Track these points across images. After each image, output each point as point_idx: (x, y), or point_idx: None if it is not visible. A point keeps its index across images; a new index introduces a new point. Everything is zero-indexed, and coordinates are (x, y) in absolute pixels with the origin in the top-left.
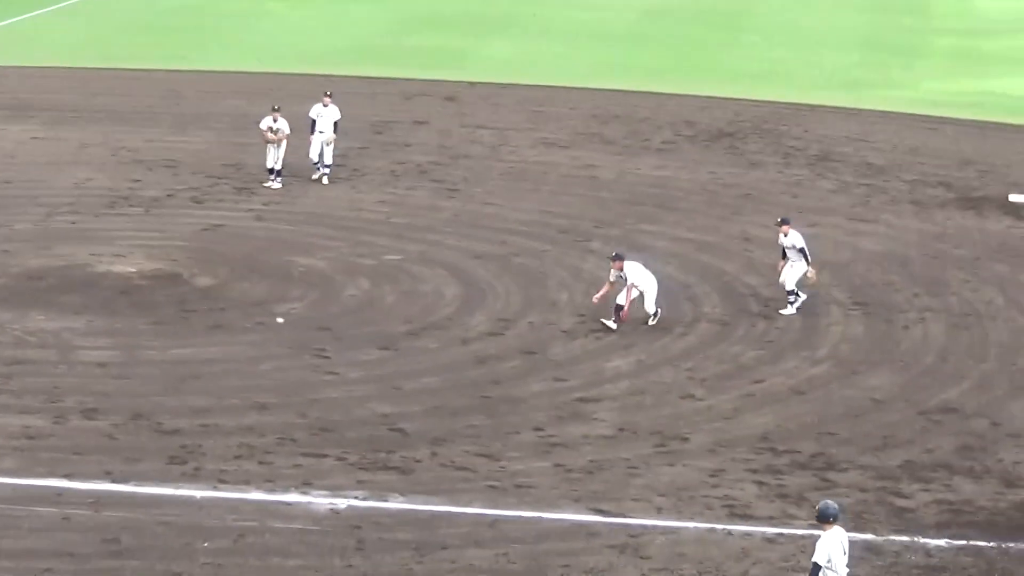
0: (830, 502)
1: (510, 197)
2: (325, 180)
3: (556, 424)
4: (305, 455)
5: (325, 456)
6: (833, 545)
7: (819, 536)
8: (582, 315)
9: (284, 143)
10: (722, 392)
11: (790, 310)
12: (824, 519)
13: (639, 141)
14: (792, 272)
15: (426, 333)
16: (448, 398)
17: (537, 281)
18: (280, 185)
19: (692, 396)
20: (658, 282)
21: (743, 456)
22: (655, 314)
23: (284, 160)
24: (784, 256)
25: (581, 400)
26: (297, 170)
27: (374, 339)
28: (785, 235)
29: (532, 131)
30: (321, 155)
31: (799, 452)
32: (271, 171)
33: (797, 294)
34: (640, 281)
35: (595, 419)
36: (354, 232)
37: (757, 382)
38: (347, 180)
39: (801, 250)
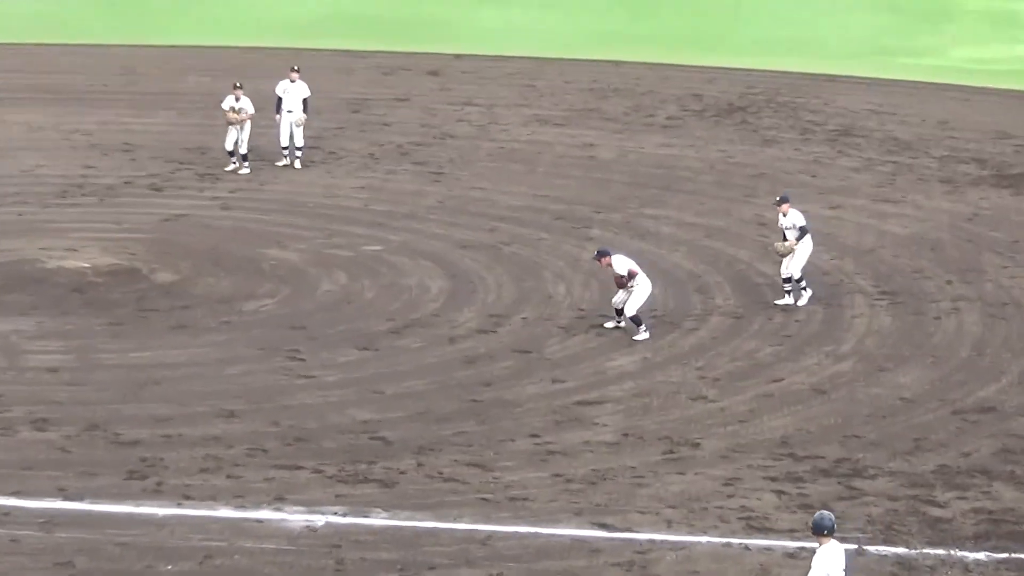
0: (825, 513)
1: (500, 180)
2: (297, 164)
3: (554, 430)
4: (278, 467)
5: (300, 468)
6: (830, 561)
7: (814, 551)
8: (581, 309)
9: (248, 124)
10: (736, 392)
11: (804, 299)
12: (819, 531)
13: (642, 117)
14: (796, 257)
15: (410, 331)
16: (435, 403)
17: (531, 272)
18: (248, 171)
19: (703, 397)
20: (665, 272)
21: (760, 463)
22: (618, 318)
23: (252, 143)
24: (783, 239)
25: (581, 403)
26: (266, 153)
27: (352, 338)
28: (784, 215)
29: (524, 107)
30: (291, 138)
31: (822, 458)
32: (231, 154)
33: (801, 280)
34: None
35: (597, 424)
36: (329, 221)
37: (775, 381)
38: (321, 164)
39: (802, 229)
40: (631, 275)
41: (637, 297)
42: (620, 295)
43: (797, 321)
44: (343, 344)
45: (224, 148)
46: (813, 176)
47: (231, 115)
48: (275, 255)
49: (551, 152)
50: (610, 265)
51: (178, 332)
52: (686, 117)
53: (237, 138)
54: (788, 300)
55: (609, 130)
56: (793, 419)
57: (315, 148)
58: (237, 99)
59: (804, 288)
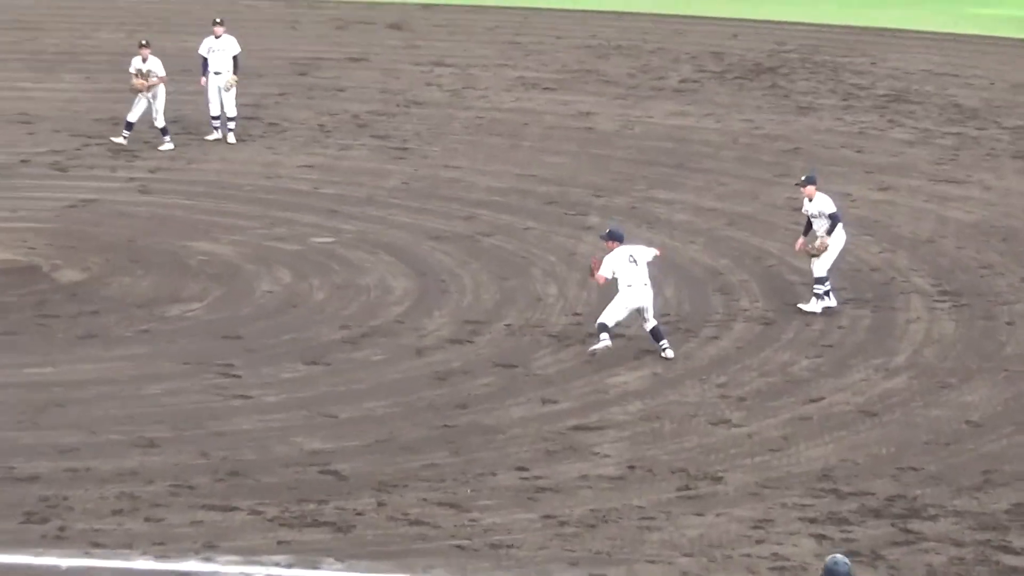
0: (840, 558)
1: (478, 158)
2: (231, 138)
3: (544, 462)
4: (207, 508)
5: (235, 509)
6: None
7: None
8: (577, 314)
9: (161, 91)
10: (767, 415)
11: (814, 305)
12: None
13: (649, 80)
14: (826, 252)
15: (368, 341)
16: (399, 429)
17: (516, 269)
18: (171, 146)
19: (727, 421)
20: (679, 268)
21: (796, 501)
22: (600, 337)
23: (176, 112)
24: (808, 228)
25: (577, 429)
26: (195, 125)
27: (298, 350)
28: (810, 200)
29: (507, 68)
30: (222, 106)
31: (871, 494)
32: (129, 126)
33: (824, 282)
34: (623, 274)
35: (596, 454)
36: (270, 207)
37: (813, 401)
38: (261, 138)
39: (832, 217)
40: (598, 273)
41: (615, 305)
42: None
43: (840, 328)
44: (287, 357)
45: (126, 120)
46: (858, 151)
47: (137, 81)
48: (205, 249)
49: (540, 123)
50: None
51: (86, 343)
52: (703, 80)
53: (149, 107)
54: (825, 303)
55: (610, 96)
56: (836, 447)
57: (252, 119)
58: (144, 60)
59: (827, 294)
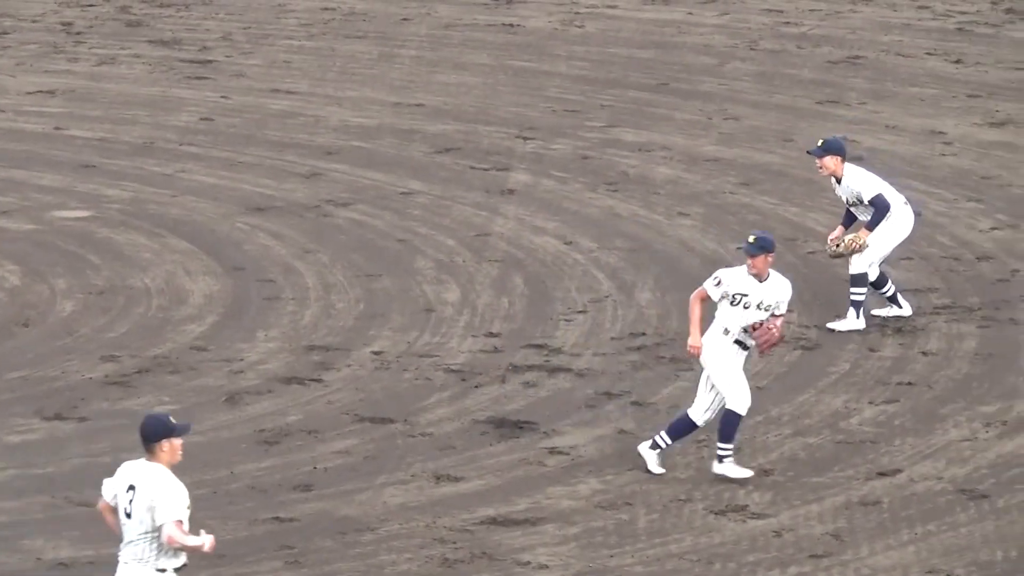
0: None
1: (327, 75)
2: None
3: None
4: None
5: None
6: None
7: None
8: (493, 335)
9: None
10: (806, 499)
11: (851, 321)
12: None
13: None
14: (867, 249)
15: (148, 381)
16: (201, 523)
17: (392, 261)
18: None
19: (741, 509)
20: (662, 258)
21: None
22: (723, 460)
23: None
24: (848, 219)
25: (494, 523)
26: None
27: (34, 396)
28: (837, 179)
29: None
30: None
31: None
32: None
33: (863, 285)
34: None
35: (525, 567)
36: None
37: (883, 475)
38: None
39: (875, 203)
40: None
41: (732, 378)
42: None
43: (926, 354)
44: (15, 408)
45: None
46: (957, 62)
47: None
48: None
49: (429, 18)
50: (763, 270)
51: None
52: None
53: None
54: (893, 310)
55: None
56: (918, 550)
57: None
58: None
59: (892, 298)
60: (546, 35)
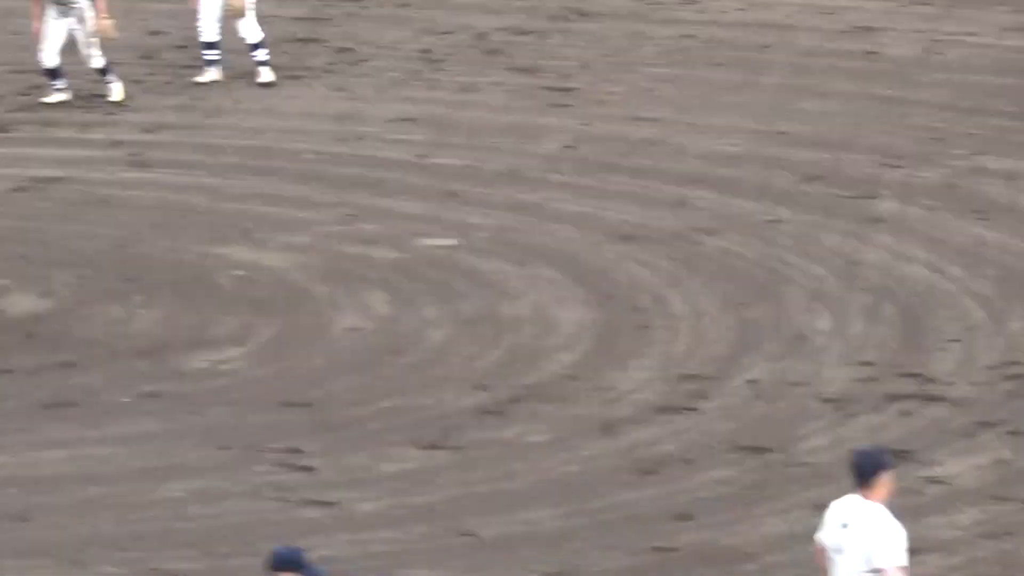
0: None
1: (689, 104)
2: (266, 75)
3: None
4: None
5: None
6: None
7: None
8: (867, 363)
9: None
10: None
11: None
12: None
13: None
14: None
15: (521, 411)
16: (579, 555)
17: (762, 289)
18: (216, 75)
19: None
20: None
21: None
22: None
23: (179, 28)
24: None
25: None
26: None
27: (407, 426)
28: None
29: None
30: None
31: None
32: (52, 75)
33: None
34: None
35: None
36: (348, 188)
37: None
38: (326, 73)
39: None
40: None
41: None
42: None
43: None
44: (388, 438)
45: (41, 63)
46: None
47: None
48: (243, 258)
49: (790, 46)
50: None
51: (56, 416)
52: None
53: (72, 38)
54: None
55: (903, 0)
56: None
57: (309, 40)
58: None
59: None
60: (907, 62)
